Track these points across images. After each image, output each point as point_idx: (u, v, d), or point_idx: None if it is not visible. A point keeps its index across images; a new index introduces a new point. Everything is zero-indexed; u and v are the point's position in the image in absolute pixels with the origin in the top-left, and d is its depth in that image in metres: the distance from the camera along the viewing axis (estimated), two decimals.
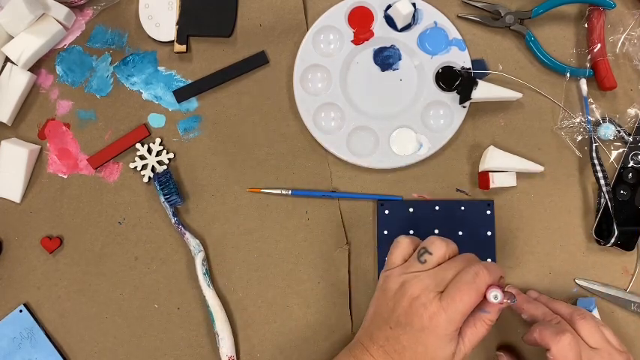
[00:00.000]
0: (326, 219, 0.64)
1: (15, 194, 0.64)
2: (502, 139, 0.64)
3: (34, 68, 0.65)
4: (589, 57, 0.64)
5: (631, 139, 0.63)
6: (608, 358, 0.52)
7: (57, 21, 0.64)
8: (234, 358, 0.61)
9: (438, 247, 0.51)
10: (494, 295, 0.48)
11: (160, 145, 0.65)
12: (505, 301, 0.49)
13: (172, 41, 0.65)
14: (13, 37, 0.64)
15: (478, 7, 0.65)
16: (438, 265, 0.50)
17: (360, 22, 0.65)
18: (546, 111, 0.65)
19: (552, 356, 0.51)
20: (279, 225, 0.64)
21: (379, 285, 0.52)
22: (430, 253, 0.50)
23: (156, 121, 0.65)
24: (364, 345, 0.51)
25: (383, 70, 0.65)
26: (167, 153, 0.64)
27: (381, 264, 0.62)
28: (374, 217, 0.64)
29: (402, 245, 0.53)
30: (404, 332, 0.49)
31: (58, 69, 0.66)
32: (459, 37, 0.64)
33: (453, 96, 0.64)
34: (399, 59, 0.65)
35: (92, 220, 0.64)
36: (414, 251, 0.52)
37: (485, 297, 0.48)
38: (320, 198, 0.64)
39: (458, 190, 0.64)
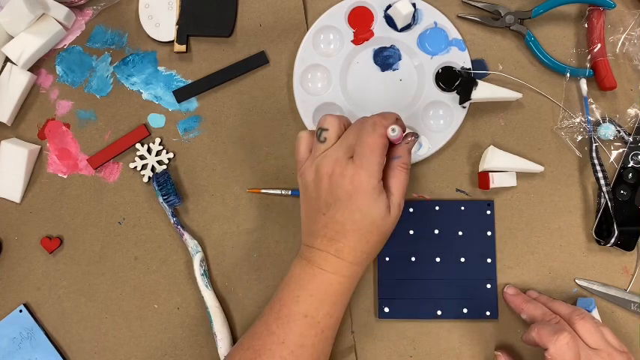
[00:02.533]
0: None
1: (15, 194, 0.64)
2: (502, 139, 0.64)
3: (34, 68, 0.65)
4: (589, 57, 0.64)
5: (631, 139, 0.63)
6: (607, 358, 0.52)
7: (57, 21, 0.64)
8: None
9: (331, 121, 0.53)
10: (392, 129, 0.50)
11: (160, 145, 0.65)
12: (410, 139, 0.52)
13: (172, 41, 0.65)
14: (13, 37, 0.64)
15: (478, 7, 0.65)
16: (338, 138, 0.52)
17: (360, 22, 0.65)
18: (546, 111, 0.65)
19: (550, 356, 0.51)
20: (279, 225, 0.64)
21: (299, 185, 0.54)
22: (326, 129, 0.53)
23: (156, 121, 0.65)
24: (308, 245, 0.53)
25: (383, 70, 0.65)
26: (167, 153, 0.64)
27: (381, 264, 0.62)
28: None
29: (303, 138, 0.55)
30: (336, 209, 0.50)
31: (58, 69, 0.66)
32: (459, 38, 0.64)
33: (453, 96, 0.64)
34: (399, 59, 0.65)
35: (92, 220, 0.64)
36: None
37: (390, 141, 0.51)
38: None
39: (458, 190, 0.64)
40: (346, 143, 0.51)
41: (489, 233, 0.63)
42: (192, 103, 0.65)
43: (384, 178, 0.52)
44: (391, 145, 0.53)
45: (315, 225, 0.52)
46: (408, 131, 0.54)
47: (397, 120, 0.53)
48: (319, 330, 0.52)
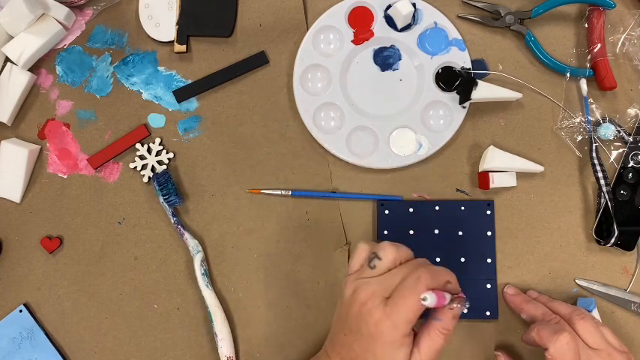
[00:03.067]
0: (326, 219, 0.64)
1: (15, 194, 0.64)
2: (502, 139, 0.64)
3: (34, 68, 0.65)
4: (589, 57, 0.64)
5: (631, 139, 0.63)
6: (607, 358, 0.52)
7: (57, 21, 0.64)
8: (234, 358, 0.61)
9: (388, 252, 0.50)
10: (423, 298, 0.45)
11: (160, 144, 0.65)
12: (455, 305, 0.48)
13: (172, 41, 0.65)
14: (13, 37, 0.64)
15: (478, 7, 0.65)
16: (388, 270, 0.49)
17: (360, 22, 0.65)
18: (546, 111, 0.65)
19: (550, 356, 0.51)
20: (279, 225, 0.64)
21: (342, 292, 0.52)
22: (380, 259, 0.49)
23: (156, 121, 0.65)
24: (327, 352, 0.52)
25: (383, 70, 0.65)
26: (167, 153, 0.64)
27: None
28: (374, 217, 0.64)
29: (360, 250, 0.52)
30: (355, 339, 0.48)
31: (58, 69, 0.66)
32: (459, 38, 0.64)
33: (453, 96, 0.64)
34: (399, 59, 0.65)
35: (92, 220, 0.64)
36: None
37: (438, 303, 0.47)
38: (320, 198, 0.64)
39: (458, 190, 0.64)
40: (389, 282, 0.48)
41: (489, 233, 0.63)
42: (192, 103, 0.65)
43: (420, 333, 0.49)
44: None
45: (336, 338, 0.51)
46: (457, 296, 0.49)
47: (448, 282, 0.49)
48: None
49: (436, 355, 0.48)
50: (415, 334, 0.49)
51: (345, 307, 0.50)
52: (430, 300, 0.45)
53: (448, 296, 0.48)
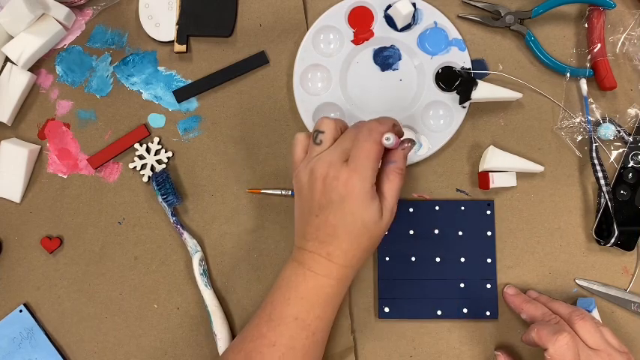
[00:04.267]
0: None
1: (15, 194, 0.64)
2: (502, 139, 0.64)
3: (34, 68, 0.65)
4: (589, 57, 0.64)
5: (631, 139, 0.63)
6: (607, 358, 0.52)
7: (57, 21, 0.64)
8: None
9: (327, 124, 0.53)
10: (387, 138, 0.50)
11: (159, 144, 0.65)
12: (406, 145, 0.52)
13: (172, 41, 0.65)
14: (13, 37, 0.64)
15: (478, 7, 0.65)
16: (334, 140, 0.52)
17: (360, 22, 0.65)
18: (546, 111, 0.65)
19: (550, 356, 0.51)
20: (279, 225, 0.64)
21: (294, 187, 0.54)
22: (322, 132, 0.53)
23: (156, 121, 0.65)
24: (300, 247, 0.53)
25: (383, 70, 0.65)
26: (166, 152, 0.64)
27: (381, 264, 0.62)
28: None
29: (299, 139, 0.55)
30: (329, 212, 0.50)
31: (58, 69, 0.66)
32: (459, 38, 0.64)
33: (453, 96, 0.64)
34: (399, 59, 0.65)
35: (92, 220, 0.64)
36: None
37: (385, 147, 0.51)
38: None
39: (458, 190, 0.64)
40: (342, 147, 0.51)
41: (489, 233, 0.63)
42: (192, 103, 0.65)
43: (378, 183, 0.52)
44: (387, 150, 0.53)
45: (308, 227, 0.52)
46: (405, 137, 0.54)
47: (394, 126, 0.53)
48: (310, 333, 0.52)
49: (398, 195, 0.53)
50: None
51: (307, 193, 0.52)
52: (392, 139, 0.50)
53: (398, 139, 0.52)
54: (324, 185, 0.50)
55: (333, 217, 0.50)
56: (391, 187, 0.52)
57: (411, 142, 0.54)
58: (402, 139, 0.54)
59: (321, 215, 0.51)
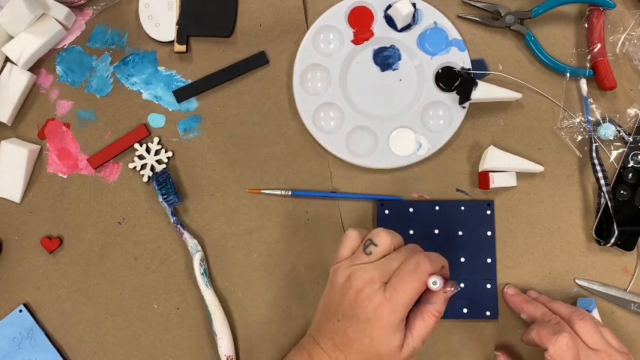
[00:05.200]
0: (326, 219, 0.64)
1: (15, 194, 0.64)
2: (502, 139, 0.64)
3: (34, 68, 0.65)
4: (589, 57, 0.64)
5: (631, 139, 0.63)
6: (607, 359, 0.52)
7: (57, 21, 0.64)
8: (233, 357, 0.61)
9: (383, 238, 0.51)
10: (434, 282, 0.48)
11: (159, 144, 0.65)
12: (449, 289, 0.50)
13: (172, 41, 0.65)
14: (13, 37, 0.64)
15: (478, 7, 0.65)
16: (384, 256, 0.51)
17: (360, 22, 0.65)
18: (546, 111, 0.65)
19: (550, 356, 0.51)
20: (279, 225, 0.64)
21: (329, 279, 0.53)
22: (375, 245, 0.51)
23: (156, 121, 0.65)
24: (315, 338, 0.52)
25: (383, 70, 0.65)
26: (166, 152, 0.64)
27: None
28: (374, 217, 0.64)
29: (350, 238, 0.53)
30: (350, 324, 0.49)
31: (58, 69, 0.66)
32: (459, 38, 0.64)
33: (453, 96, 0.64)
34: (399, 59, 0.65)
35: (92, 220, 0.64)
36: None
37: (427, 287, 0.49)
38: (320, 198, 0.64)
39: (458, 190, 0.64)
40: (387, 266, 0.49)
41: (489, 233, 0.63)
42: (192, 103, 0.65)
43: (411, 317, 0.50)
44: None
45: (327, 325, 0.51)
46: (448, 280, 0.51)
47: (443, 268, 0.51)
48: None
49: (428, 337, 0.50)
50: (406, 319, 0.50)
51: (337, 294, 0.50)
52: (439, 284, 0.48)
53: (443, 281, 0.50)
54: (355, 299, 0.49)
55: (353, 331, 0.49)
56: (423, 328, 0.50)
57: (455, 286, 0.51)
58: (446, 281, 0.51)
59: (343, 322, 0.50)
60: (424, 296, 0.50)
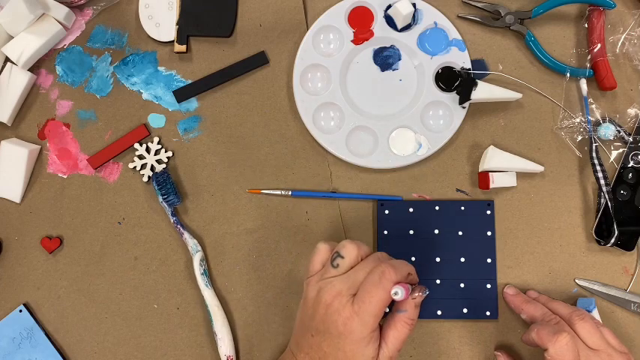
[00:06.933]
0: (326, 219, 0.64)
1: (15, 194, 0.64)
2: (502, 139, 0.64)
3: (34, 68, 0.65)
4: (589, 57, 0.64)
5: (631, 139, 0.63)
6: (607, 359, 0.52)
7: (57, 21, 0.64)
8: (233, 358, 0.61)
9: (349, 249, 0.50)
10: (395, 292, 0.47)
11: (159, 143, 0.65)
12: (417, 294, 0.50)
13: (172, 41, 0.65)
14: (13, 37, 0.64)
15: (478, 7, 0.65)
16: (351, 268, 0.50)
17: (360, 22, 0.65)
18: (546, 111, 0.65)
19: (550, 356, 0.51)
20: (279, 225, 0.64)
21: (303, 293, 0.52)
22: (342, 257, 0.50)
23: (156, 121, 0.65)
24: (293, 353, 0.52)
25: (383, 70, 0.65)
26: (165, 151, 0.64)
27: None
28: (374, 217, 0.64)
29: (321, 251, 0.52)
30: (323, 339, 0.49)
31: (58, 69, 0.66)
32: (459, 38, 0.64)
33: (453, 96, 0.64)
34: (399, 59, 0.65)
35: (92, 220, 0.64)
36: None
37: None
38: (320, 198, 0.64)
39: (458, 190, 0.64)
40: (354, 278, 0.49)
41: (489, 233, 0.63)
42: (192, 103, 0.65)
43: (385, 326, 0.50)
44: None
45: (303, 340, 0.51)
46: (416, 286, 0.51)
47: (409, 275, 0.50)
48: None
49: (402, 346, 0.50)
50: (380, 327, 0.50)
51: (310, 309, 0.50)
52: (400, 294, 0.47)
53: (410, 288, 0.50)
54: (325, 314, 0.49)
55: (327, 345, 0.49)
56: (396, 336, 0.50)
57: (423, 291, 0.51)
58: (414, 287, 0.51)
59: (316, 337, 0.50)
60: (396, 304, 0.50)
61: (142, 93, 0.66)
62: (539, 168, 0.63)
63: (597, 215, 0.63)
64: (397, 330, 0.50)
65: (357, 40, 0.65)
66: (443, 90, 0.64)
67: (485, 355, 0.62)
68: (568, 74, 0.64)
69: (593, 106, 0.64)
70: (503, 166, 0.62)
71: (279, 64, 0.66)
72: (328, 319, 0.48)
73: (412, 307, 0.50)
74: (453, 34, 0.64)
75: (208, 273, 0.63)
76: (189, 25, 0.65)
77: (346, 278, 0.49)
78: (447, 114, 0.64)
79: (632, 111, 0.64)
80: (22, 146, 0.64)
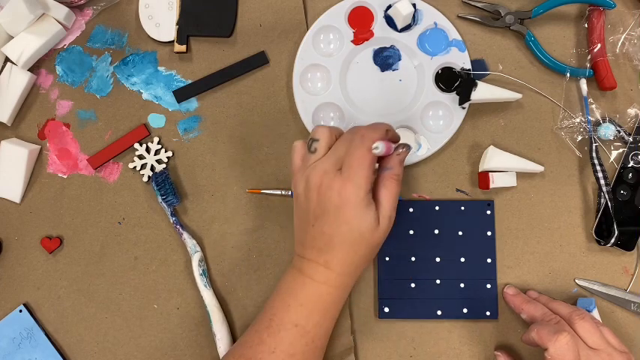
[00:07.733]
0: None
1: (15, 194, 0.64)
2: (502, 139, 0.64)
3: (34, 68, 0.65)
4: (589, 57, 0.64)
5: (631, 139, 0.63)
6: (607, 358, 0.52)
7: (57, 21, 0.64)
8: None
9: (322, 131, 0.53)
10: (375, 147, 0.49)
11: (158, 143, 0.65)
12: (401, 150, 0.52)
13: (172, 41, 0.65)
14: (13, 37, 0.64)
15: (478, 7, 0.65)
16: (329, 148, 0.52)
17: (360, 22, 0.65)
18: (546, 111, 0.65)
19: (550, 356, 0.51)
20: (279, 225, 0.64)
21: (293, 195, 0.54)
22: (317, 140, 0.52)
23: (156, 121, 0.65)
24: (300, 255, 0.53)
25: (383, 70, 0.65)
26: (165, 151, 0.64)
27: (381, 264, 0.63)
28: None
29: (298, 147, 0.55)
30: (324, 222, 0.50)
31: (58, 69, 0.66)
32: (459, 38, 0.64)
33: (453, 97, 0.64)
34: (399, 60, 0.65)
35: (92, 220, 0.64)
36: None
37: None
38: None
39: (458, 190, 0.64)
40: (335, 155, 0.51)
41: (489, 233, 0.63)
42: (192, 103, 0.65)
43: (375, 189, 0.52)
44: (383, 156, 0.52)
45: (305, 236, 0.52)
46: (400, 142, 0.54)
47: (387, 132, 0.52)
48: (309, 339, 0.52)
49: (395, 203, 0.52)
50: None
51: (303, 202, 0.52)
52: (381, 148, 0.49)
53: (392, 145, 0.52)
54: (318, 195, 0.50)
55: (329, 226, 0.50)
56: (387, 194, 0.52)
57: (406, 147, 0.53)
58: (397, 144, 0.53)
59: (317, 225, 0.51)
60: (381, 166, 0.52)
61: (142, 93, 0.66)
62: (539, 168, 0.63)
63: (597, 215, 0.63)
64: (387, 188, 0.52)
65: (357, 41, 0.65)
66: (443, 90, 0.64)
67: (485, 355, 0.62)
68: (568, 74, 0.64)
69: (593, 106, 0.64)
70: (503, 166, 0.62)
71: (279, 64, 0.66)
72: (322, 198, 0.50)
73: (397, 164, 0.52)
74: (453, 34, 0.64)
75: (208, 273, 0.63)
76: (189, 25, 0.65)
77: (328, 157, 0.51)
78: (447, 114, 0.64)
79: (632, 111, 0.64)
80: (22, 146, 0.64)
